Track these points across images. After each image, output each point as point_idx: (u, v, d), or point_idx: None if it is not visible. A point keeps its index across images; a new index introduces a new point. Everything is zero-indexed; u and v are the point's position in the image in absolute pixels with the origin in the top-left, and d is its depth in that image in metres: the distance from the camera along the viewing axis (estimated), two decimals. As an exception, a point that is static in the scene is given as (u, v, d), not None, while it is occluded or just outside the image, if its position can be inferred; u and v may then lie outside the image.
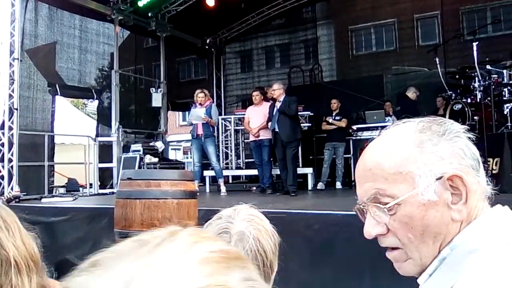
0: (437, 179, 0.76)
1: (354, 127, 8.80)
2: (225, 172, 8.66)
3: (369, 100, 9.84)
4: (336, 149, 8.50)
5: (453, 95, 7.10)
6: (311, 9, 12.35)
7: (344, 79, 11.74)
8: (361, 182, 0.85)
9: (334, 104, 8.64)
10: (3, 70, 7.61)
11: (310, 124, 9.14)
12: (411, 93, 7.65)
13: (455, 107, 6.93)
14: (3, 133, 7.58)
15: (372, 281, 3.94)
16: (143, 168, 8.70)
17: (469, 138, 0.81)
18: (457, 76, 7.29)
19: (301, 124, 8.04)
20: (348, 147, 8.73)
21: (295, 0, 11.41)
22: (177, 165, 10.13)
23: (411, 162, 0.77)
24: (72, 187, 10.00)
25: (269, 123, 7.34)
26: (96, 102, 10.39)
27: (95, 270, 0.43)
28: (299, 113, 7.73)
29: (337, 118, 8.53)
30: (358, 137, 8.71)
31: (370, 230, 0.82)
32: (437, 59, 7.28)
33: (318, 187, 8.27)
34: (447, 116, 6.94)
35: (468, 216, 0.77)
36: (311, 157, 9.24)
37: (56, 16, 8.65)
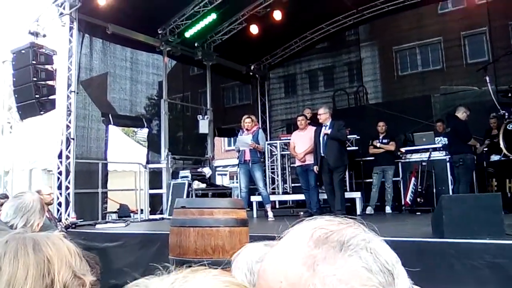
0: None
1: (403, 149, 8.61)
2: (272, 197, 8.67)
3: (417, 121, 9.64)
4: (385, 173, 8.35)
5: (506, 114, 6.86)
6: (354, 32, 12.34)
7: (390, 101, 11.57)
8: None
9: (381, 126, 8.53)
10: (61, 102, 8.06)
11: (357, 148, 9.04)
12: (461, 113, 7.43)
13: (508, 127, 6.70)
14: (60, 162, 7.98)
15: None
16: (192, 194, 8.87)
17: (380, 241, 0.66)
18: (509, 94, 7.05)
19: (348, 148, 7.98)
20: (397, 170, 8.53)
21: (338, 24, 11.47)
22: (225, 190, 10.24)
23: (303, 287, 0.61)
24: (124, 213, 10.31)
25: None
26: (146, 130, 10.76)
27: None
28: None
29: (385, 141, 8.40)
30: (407, 160, 8.50)
31: None
32: (487, 78, 7.10)
33: (367, 212, 8.13)
34: (500, 136, 6.71)
35: None
36: (358, 181, 9.11)
37: (109, 50, 9.14)
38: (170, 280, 0.48)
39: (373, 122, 8.84)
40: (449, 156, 7.72)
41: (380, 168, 8.39)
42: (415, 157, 8.40)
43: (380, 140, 8.43)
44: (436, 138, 8.43)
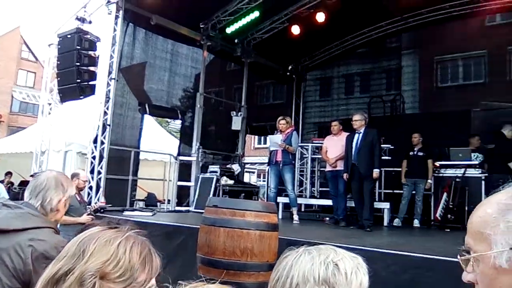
0: (510, 249, 0.79)
1: (437, 163, 8.41)
2: (299, 200, 8.62)
3: (454, 135, 9.38)
4: (416, 185, 8.17)
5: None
6: (396, 39, 12.12)
7: (427, 112, 11.33)
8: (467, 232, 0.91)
9: (416, 138, 8.35)
10: (101, 89, 8.24)
11: (389, 158, 8.88)
12: (508, 131, 7.20)
13: (553, 150, 6.45)
14: (95, 147, 8.17)
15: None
16: (220, 189, 8.92)
17: None
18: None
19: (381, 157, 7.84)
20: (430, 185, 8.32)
21: (381, 30, 11.29)
22: (252, 188, 10.26)
23: (492, 225, 0.82)
24: (151, 201, 10.49)
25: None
26: (179, 121, 10.88)
27: None
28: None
29: (420, 153, 8.21)
30: (441, 174, 8.30)
31: (463, 276, 0.89)
32: (533, 97, 6.84)
33: (394, 224, 7.98)
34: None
35: None
36: (388, 191, 8.95)
37: (151, 40, 9.28)
38: None
39: (408, 133, 8.65)
40: (485, 175, 7.48)
41: (412, 180, 8.22)
42: (449, 172, 8.19)
43: (415, 152, 8.25)
44: (472, 154, 8.19)
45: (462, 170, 7.97)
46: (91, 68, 8.27)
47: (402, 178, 8.36)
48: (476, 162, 7.91)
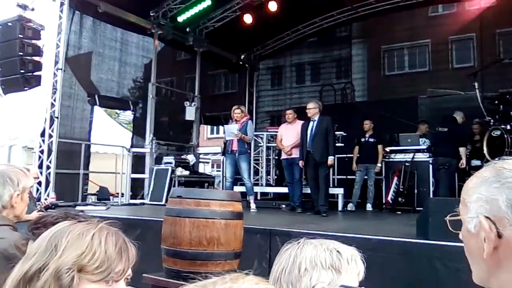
0: (478, 216, 0.87)
1: (388, 149, 8.71)
2: (255, 189, 8.67)
3: (402, 122, 9.73)
4: (368, 171, 8.43)
5: (492, 121, 6.98)
6: (346, 28, 12.37)
7: (376, 100, 11.67)
8: None
9: (367, 124, 8.58)
10: (47, 80, 7.87)
11: (342, 144, 9.10)
12: (460, 117, 7.57)
13: (493, 133, 6.82)
14: (43, 140, 7.82)
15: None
16: (175, 180, 8.81)
17: None
18: (496, 102, 7.15)
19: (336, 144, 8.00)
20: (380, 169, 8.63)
21: (332, 19, 11.47)
22: (208, 178, 10.21)
23: (469, 194, 0.91)
24: (103, 195, 10.20)
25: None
26: (129, 112, 10.61)
27: None
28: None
29: (370, 140, 8.46)
30: (391, 160, 8.61)
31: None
32: (476, 84, 7.18)
33: (348, 208, 8.21)
34: (484, 142, 6.84)
35: (498, 266, 0.86)
36: (342, 177, 9.18)
37: (100, 29, 8.95)
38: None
39: (359, 120, 8.89)
40: (433, 158, 7.79)
41: (364, 165, 8.47)
42: (399, 157, 8.51)
43: (366, 138, 8.50)
44: (420, 139, 8.54)
45: (411, 155, 8.30)
46: (36, 58, 7.85)
47: (353, 164, 8.59)
48: (424, 147, 8.26)
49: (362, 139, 8.54)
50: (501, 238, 0.85)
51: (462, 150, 7.35)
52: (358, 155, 8.57)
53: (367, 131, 8.55)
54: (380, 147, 8.43)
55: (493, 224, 0.85)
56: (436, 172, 7.62)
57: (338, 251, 1.09)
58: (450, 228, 0.97)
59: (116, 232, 1.03)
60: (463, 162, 7.34)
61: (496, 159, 0.94)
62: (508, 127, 6.60)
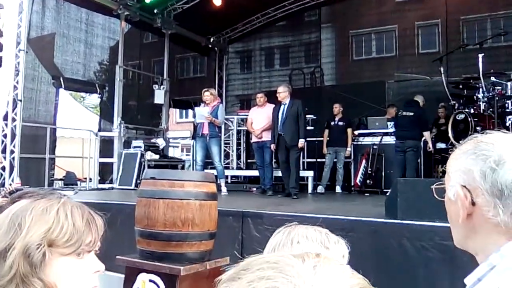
0: (456, 185, 0.94)
1: (356, 132, 8.86)
2: (226, 172, 8.68)
3: (371, 105, 9.91)
4: (337, 154, 8.55)
5: (456, 104, 7.18)
6: (315, 12, 12.40)
7: (345, 84, 11.82)
8: None
9: (336, 108, 8.68)
10: (9, 61, 7.58)
11: (312, 128, 9.19)
12: (421, 101, 7.75)
13: (458, 117, 7.01)
14: (6, 124, 7.56)
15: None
16: (144, 164, 8.71)
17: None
18: (460, 86, 7.36)
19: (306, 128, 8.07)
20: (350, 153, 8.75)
21: (301, 3, 11.47)
22: (177, 162, 10.13)
23: (451, 164, 0.97)
24: (70, 180, 10.00)
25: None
26: (95, 95, 10.37)
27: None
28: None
29: (340, 123, 8.57)
30: (360, 143, 8.77)
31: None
32: (441, 69, 7.36)
33: (318, 191, 8.33)
34: (449, 125, 7.04)
35: (474, 231, 0.93)
36: (311, 160, 9.29)
37: (63, 9, 8.64)
38: (312, 262, 0.49)
39: (328, 104, 8.99)
40: (400, 141, 7.85)
41: (333, 149, 8.58)
42: (367, 140, 8.68)
43: (336, 122, 8.60)
44: (387, 123, 8.71)
45: (379, 138, 8.48)
46: (-4, 39, 7.56)
47: (324, 147, 8.70)
48: (392, 130, 8.44)
49: (332, 123, 8.63)
50: (474, 205, 0.91)
51: (427, 134, 7.55)
52: (327, 138, 8.67)
53: (337, 114, 8.64)
54: (349, 130, 8.56)
55: (468, 193, 0.92)
56: (398, 154, 7.67)
57: (326, 233, 1.21)
58: (435, 195, 1.03)
59: (80, 205, 1.03)
60: (430, 146, 7.56)
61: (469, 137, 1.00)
62: (472, 110, 6.80)
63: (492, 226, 0.89)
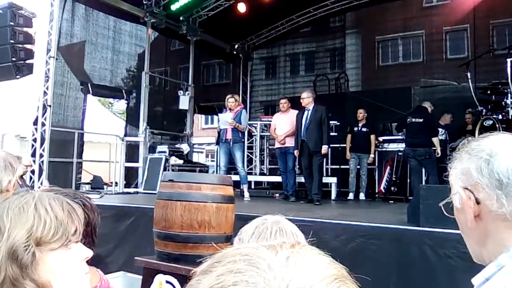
0: (458, 190, 0.94)
1: (380, 138, 8.75)
2: (249, 178, 8.70)
3: (396, 111, 9.76)
4: (360, 160, 8.47)
5: (484, 110, 7.02)
6: (340, 18, 12.35)
7: (370, 89, 11.70)
8: None
9: (361, 114, 8.61)
10: (39, 68, 7.82)
11: (336, 134, 9.13)
12: (429, 107, 7.61)
13: (485, 123, 6.85)
14: (36, 129, 7.78)
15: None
16: (169, 169, 8.82)
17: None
18: (488, 92, 7.20)
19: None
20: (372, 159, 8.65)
21: (325, 9, 11.45)
22: (202, 167, 10.21)
23: (452, 172, 0.97)
24: (97, 184, 10.17)
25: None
26: (123, 101, 10.57)
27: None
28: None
29: (364, 129, 8.48)
30: (384, 149, 8.65)
31: None
32: (468, 74, 7.21)
33: (349, 197, 8.29)
34: (476, 131, 6.88)
35: (485, 235, 0.91)
36: (335, 166, 9.22)
37: (92, 17, 8.87)
38: (285, 254, 0.48)
39: (353, 110, 8.92)
40: (411, 148, 7.45)
41: (356, 154, 8.50)
42: (392, 146, 8.56)
43: (359, 128, 8.52)
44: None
45: (404, 145, 8.33)
46: (28, 46, 7.77)
47: (347, 153, 8.62)
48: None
49: (355, 128, 8.56)
50: (479, 204, 0.90)
51: (435, 140, 7.36)
52: (350, 144, 8.59)
53: (360, 120, 8.57)
54: (373, 137, 8.46)
55: (470, 193, 0.91)
56: (410, 161, 7.47)
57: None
58: (446, 213, 1.02)
59: (56, 196, 1.00)
60: (438, 152, 7.35)
61: None
62: (500, 117, 6.64)
63: (500, 222, 0.89)
